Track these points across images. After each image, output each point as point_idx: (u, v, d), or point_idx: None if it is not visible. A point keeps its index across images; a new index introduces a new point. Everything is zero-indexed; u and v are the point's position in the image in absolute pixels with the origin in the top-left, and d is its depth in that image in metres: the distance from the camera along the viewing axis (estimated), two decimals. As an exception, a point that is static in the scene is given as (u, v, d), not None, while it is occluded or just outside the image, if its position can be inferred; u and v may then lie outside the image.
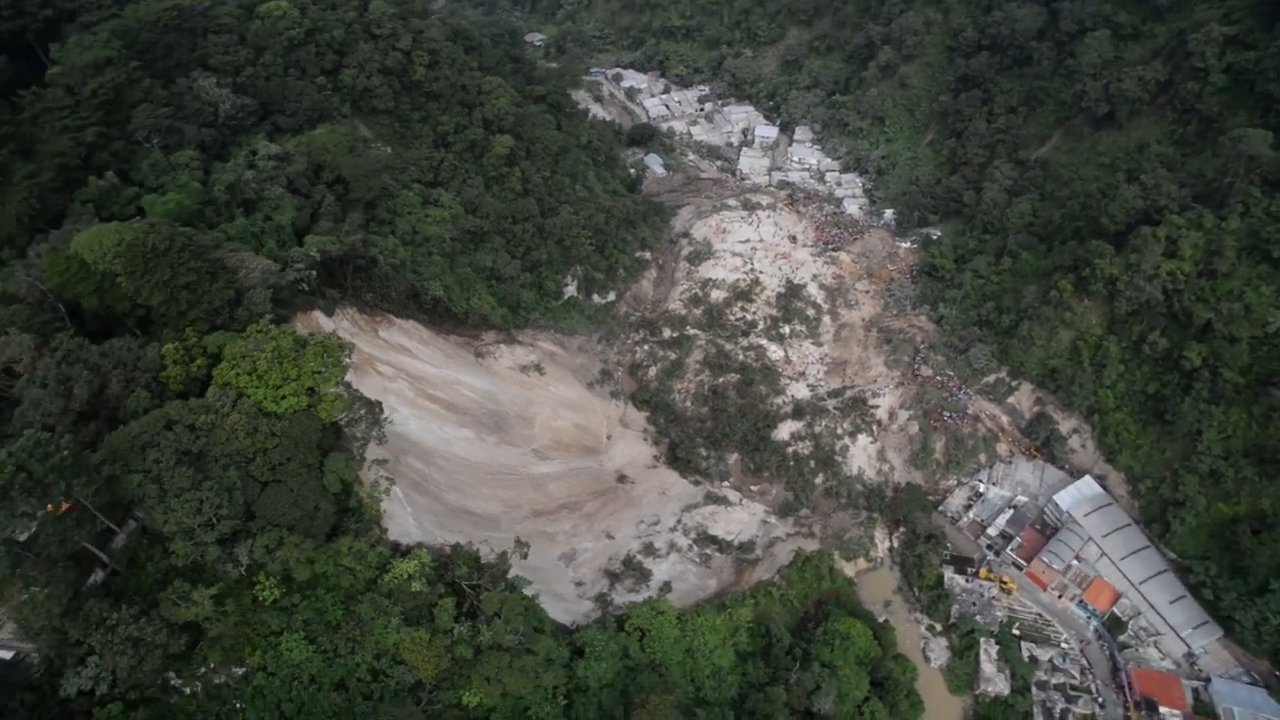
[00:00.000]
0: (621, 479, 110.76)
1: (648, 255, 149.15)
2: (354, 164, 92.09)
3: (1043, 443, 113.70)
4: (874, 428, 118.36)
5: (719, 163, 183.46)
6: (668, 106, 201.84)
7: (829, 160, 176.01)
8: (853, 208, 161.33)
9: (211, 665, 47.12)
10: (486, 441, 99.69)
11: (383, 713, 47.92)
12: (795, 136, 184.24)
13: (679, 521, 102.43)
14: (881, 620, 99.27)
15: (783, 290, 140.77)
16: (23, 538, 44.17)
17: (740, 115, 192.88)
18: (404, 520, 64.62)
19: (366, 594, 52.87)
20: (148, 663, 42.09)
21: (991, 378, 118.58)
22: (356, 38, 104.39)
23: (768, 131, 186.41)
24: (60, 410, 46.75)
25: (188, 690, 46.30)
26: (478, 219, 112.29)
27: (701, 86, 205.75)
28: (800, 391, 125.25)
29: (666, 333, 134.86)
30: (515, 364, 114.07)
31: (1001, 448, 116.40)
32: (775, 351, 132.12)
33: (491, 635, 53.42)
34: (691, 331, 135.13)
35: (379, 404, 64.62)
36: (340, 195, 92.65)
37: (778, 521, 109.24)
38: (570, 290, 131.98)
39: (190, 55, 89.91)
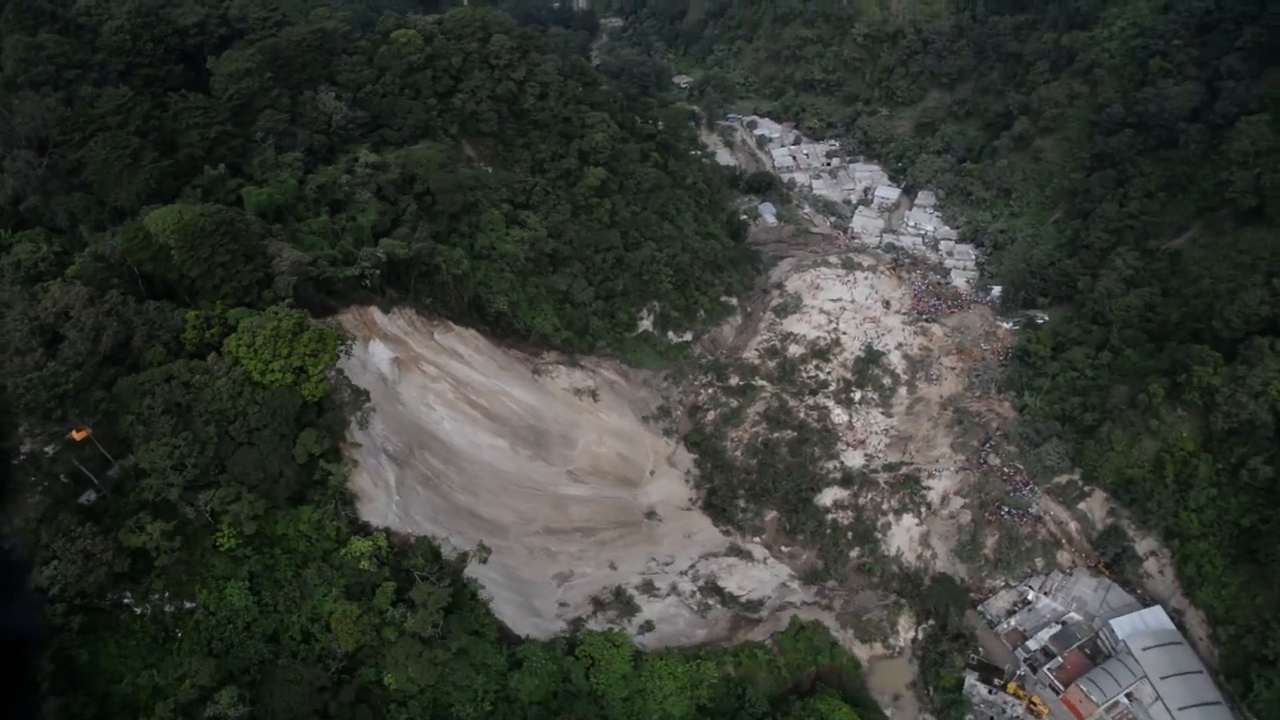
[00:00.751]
0: (650, 514, 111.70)
1: (733, 301, 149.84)
2: (441, 178, 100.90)
3: (1113, 559, 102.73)
4: (922, 509, 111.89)
5: (833, 219, 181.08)
6: (795, 158, 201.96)
7: (946, 229, 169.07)
8: (960, 280, 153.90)
9: (166, 595, 53.90)
10: (520, 454, 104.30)
11: (292, 669, 52.58)
12: (917, 201, 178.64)
13: (692, 566, 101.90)
14: (887, 712, 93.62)
15: (862, 354, 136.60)
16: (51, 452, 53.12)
17: (864, 174, 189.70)
18: (384, 506, 69.80)
19: (318, 562, 58.19)
20: (93, 575, 49.30)
21: (1064, 478, 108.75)
22: (473, 66, 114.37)
23: (889, 193, 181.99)
24: (88, 352, 55.99)
25: (138, 610, 53.25)
26: (559, 243, 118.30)
27: (832, 141, 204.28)
28: (854, 460, 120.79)
29: (734, 380, 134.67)
30: (571, 386, 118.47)
31: (1063, 556, 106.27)
32: (839, 415, 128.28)
33: (414, 624, 56.80)
34: (759, 382, 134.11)
35: (366, 393, 70.57)
36: (427, 206, 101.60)
37: (799, 588, 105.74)
38: (645, 324, 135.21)
39: (322, 71, 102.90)
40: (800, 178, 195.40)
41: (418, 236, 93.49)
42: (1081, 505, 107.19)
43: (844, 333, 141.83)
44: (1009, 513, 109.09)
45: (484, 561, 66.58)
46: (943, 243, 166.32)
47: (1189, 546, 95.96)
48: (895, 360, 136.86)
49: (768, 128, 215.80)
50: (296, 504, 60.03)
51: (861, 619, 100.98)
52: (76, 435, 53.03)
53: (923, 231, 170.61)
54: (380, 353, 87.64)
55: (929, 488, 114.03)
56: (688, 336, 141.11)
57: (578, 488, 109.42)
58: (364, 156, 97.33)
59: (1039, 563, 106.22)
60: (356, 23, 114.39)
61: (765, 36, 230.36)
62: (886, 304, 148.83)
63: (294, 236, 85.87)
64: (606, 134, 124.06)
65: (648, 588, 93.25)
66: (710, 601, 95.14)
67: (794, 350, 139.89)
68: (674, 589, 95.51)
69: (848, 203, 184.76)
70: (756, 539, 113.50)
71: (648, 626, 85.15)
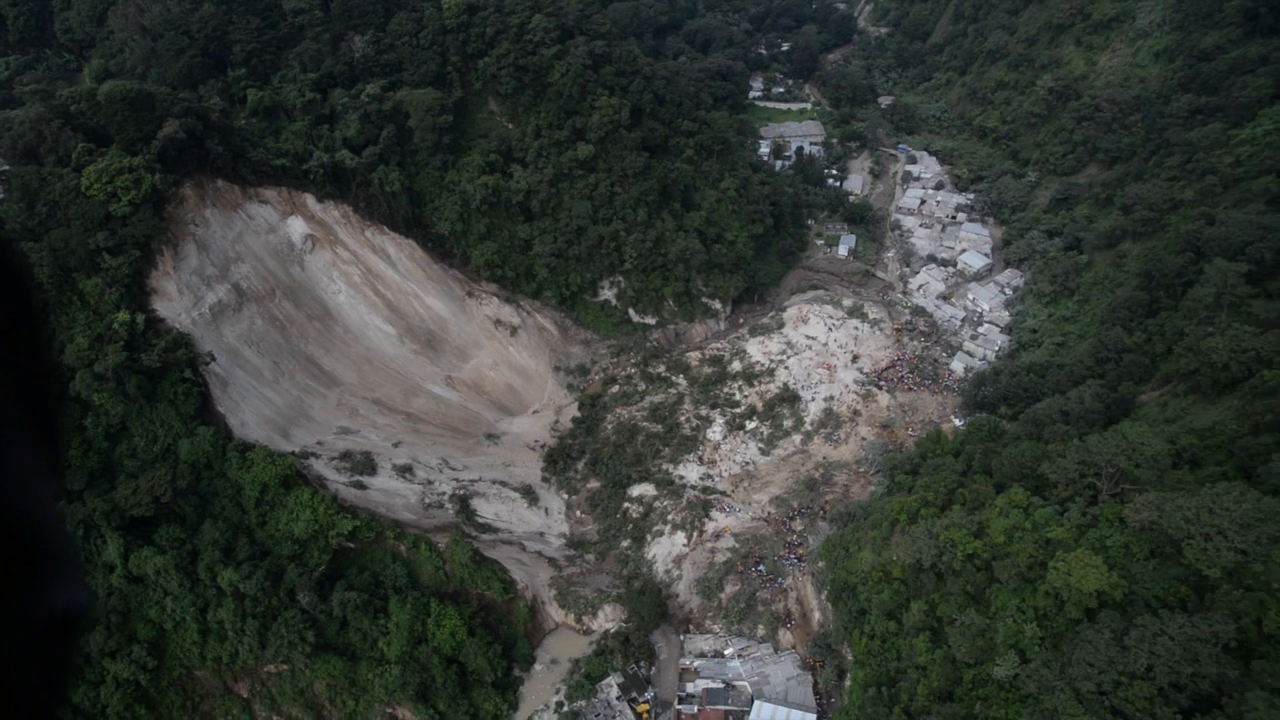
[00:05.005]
0: (490, 436, 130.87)
1: (716, 304, 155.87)
2: (420, 118, 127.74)
3: (822, 663, 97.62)
4: (694, 535, 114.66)
5: (906, 269, 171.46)
6: (924, 201, 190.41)
7: (1003, 314, 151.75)
8: (960, 367, 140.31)
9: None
10: (405, 345, 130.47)
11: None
12: (998, 278, 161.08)
13: (472, 481, 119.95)
14: (536, 667, 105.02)
15: (781, 392, 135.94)
16: None
17: (971, 236, 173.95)
18: (182, 310, 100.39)
19: (89, 307, 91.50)
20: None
21: (821, 564, 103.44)
22: (505, 38, 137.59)
23: (975, 260, 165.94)
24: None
25: None
26: (531, 199, 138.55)
27: (969, 194, 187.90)
28: (689, 471, 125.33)
29: (660, 369, 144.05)
30: (494, 316, 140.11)
31: (786, 637, 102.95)
32: (715, 432, 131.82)
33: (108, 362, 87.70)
34: (677, 379, 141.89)
35: (194, 231, 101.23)
36: (406, 137, 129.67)
37: (554, 543, 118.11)
38: (607, 295, 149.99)
39: (379, 20, 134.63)
40: (911, 222, 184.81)
41: (365, 158, 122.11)
42: (827, 598, 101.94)
43: (786, 367, 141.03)
44: (760, 571, 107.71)
45: (206, 364, 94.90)
46: (985, 327, 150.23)
47: (855, 672, 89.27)
48: (813, 410, 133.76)
49: (925, 166, 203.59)
50: (90, 273, 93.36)
51: (570, 589, 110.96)
52: None
53: (976, 309, 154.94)
54: (297, 226, 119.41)
55: (713, 519, 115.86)
56: (650, 320, 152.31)
57: (446, 390, 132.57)
58: (369, 89, 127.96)
59: (760, 630, 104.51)
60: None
61: (974, 73, 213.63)
62: (855, 357, 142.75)
63: (275, 130, 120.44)
64: (605, 117, 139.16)
65: (403, 470, 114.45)
66: (446, 505, 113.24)
67: (734, 366, 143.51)
68: (428, 481, 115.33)
69: (932, 258, 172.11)
70: (564, 495, 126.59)
71: (359, 485, 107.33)
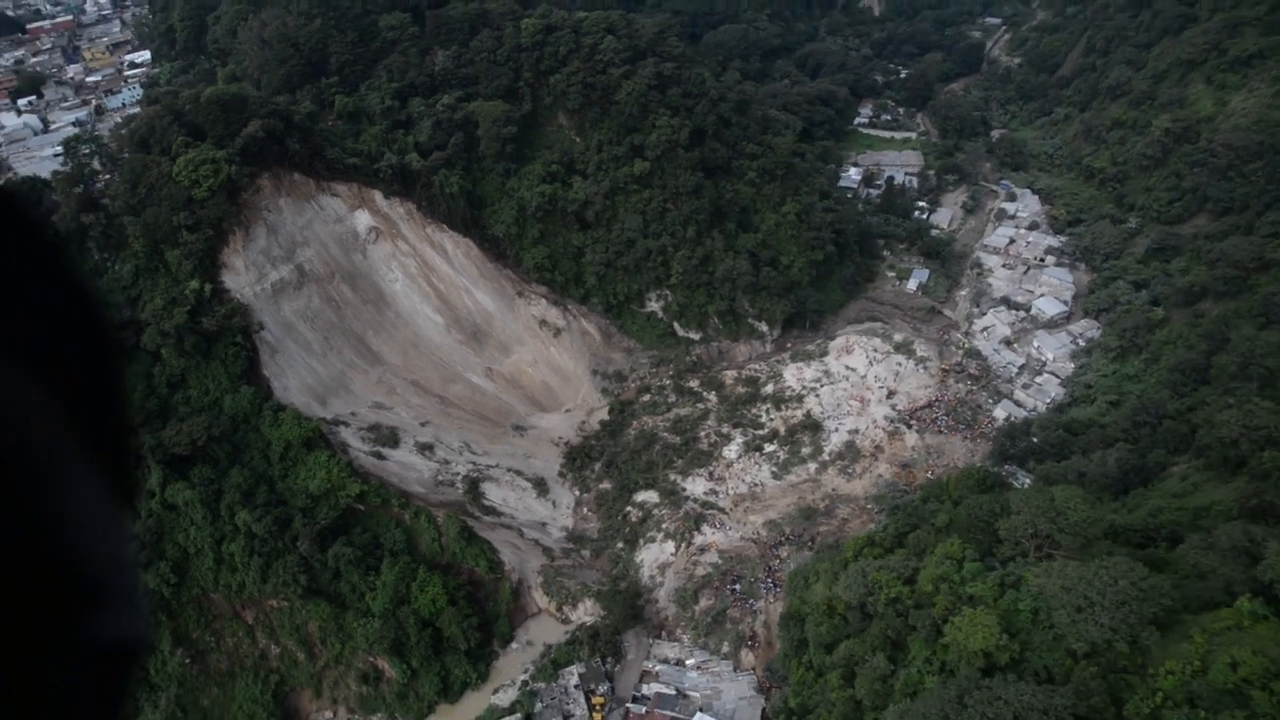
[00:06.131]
0: (518, 427, 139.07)
1: (764, 327, 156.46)
2: (488, 128, 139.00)
3: (778, 688, 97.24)
4: (682, 545, 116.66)
5: (975, 309, 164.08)
6: (1013, 241, 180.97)
7: (1066, 365, 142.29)
8: (1001, 415, 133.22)
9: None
10: (451, 334, 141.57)
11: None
12: (1074, 327, 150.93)
13: (490, 464, 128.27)
14: (513, 646, 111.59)
15: (805, 419, 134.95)
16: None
17: (1052, 281, 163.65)
18: (246, 285, 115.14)
19: (169, 273, 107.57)
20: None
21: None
22: (576, 57, 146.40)
23: (1050, 307, 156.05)
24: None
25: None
26: (586, 209, 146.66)
27: (1064, 237, 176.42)
28: (695, 485, 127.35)
29: (693, 384, 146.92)
30: (540, 316, 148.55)
31: (748, 657, 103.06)
32: (732, 450, 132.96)
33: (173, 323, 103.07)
34: (709, 395, 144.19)
35: (268, 216, 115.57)
36: (473, 144, 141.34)
37: (555, 534, 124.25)
38: (654, 306, 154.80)
39: (467, 37, 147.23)
40: (993, 261, 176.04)
41: (430, 162, 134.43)
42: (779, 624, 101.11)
43: (816, 395, 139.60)
44: (735, 590, 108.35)
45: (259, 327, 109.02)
46: (1043, 377, 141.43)
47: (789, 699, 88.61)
48: (834, 441, 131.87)
49: (1024, 204, 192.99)
50: (173, 246, 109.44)
51: (557, 578, 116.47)
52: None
53: (1039, 358, 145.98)
54: (363, 218, 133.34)
55: (703, 533, 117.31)
56: (694, 335, 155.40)
57: (484, 380, 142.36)
58: (445, 99, 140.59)
59: (725, 646, 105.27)
60: (525, 3, 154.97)
61: (1094, 110, 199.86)
62: (891, 393, 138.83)
63: (356, 132, 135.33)
64: (663, 136, 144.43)
65: (424, 447, 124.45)
66: (457, 484, 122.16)
67: (767, 388, 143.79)
68: (445, 460, 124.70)
69: (1005, 300, 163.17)
70: (576, 491, 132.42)
71: (379, 455, 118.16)
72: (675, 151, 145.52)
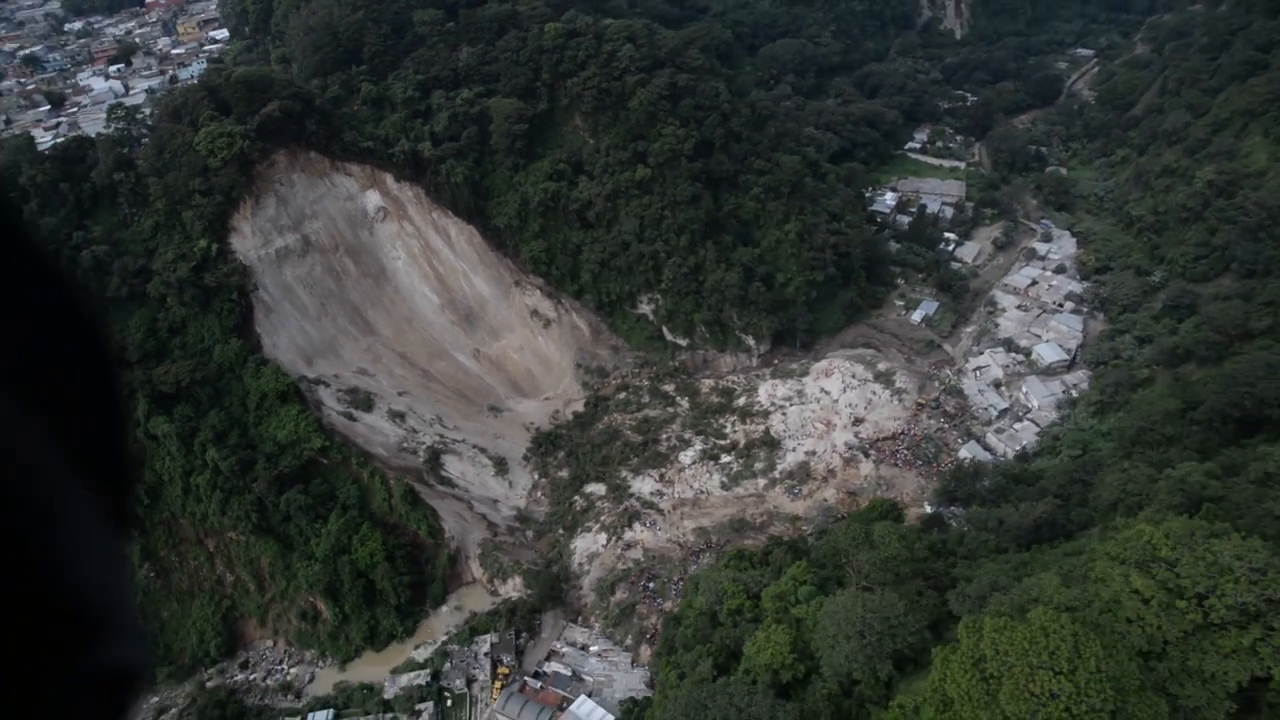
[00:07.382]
0: (494, 408, 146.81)
1: (751, 341, 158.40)
2: (500, 123, 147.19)
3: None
4: (614, 539, 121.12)
5: (975, 346, 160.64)
6: (1036, 283, 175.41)
7: (1049, 415, 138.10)
8: (966, 457, 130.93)
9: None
10: (445, 314, 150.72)
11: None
12: (1070, 377, 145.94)
13: (456, 440, 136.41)
14: (443, 609, 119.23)
15: (764, 436, 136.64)
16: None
17: (1060, 328, 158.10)
18: (251, 248, 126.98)
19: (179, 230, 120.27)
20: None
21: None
22: (593, 62, 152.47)
23: (1051, 354, 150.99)
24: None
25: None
26: (586, 209, 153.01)
27: (1085, 283, 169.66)
28: (643, 484, 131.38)
29: (668, 387, 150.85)
30: (533, 306, 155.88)
31: (645, 651, 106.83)
32: (688, 455, 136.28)
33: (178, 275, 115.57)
34: (680, 400, 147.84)
35: (276, 190, 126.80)
36: (486, 138, 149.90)
37: (504, 512, 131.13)
38: (645, 309, 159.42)
39: (494, 37, 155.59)
40: (1009, 301, 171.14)
41: (440, 151, 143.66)
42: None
43: (783, 413, 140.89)
44: (648, 588, 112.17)
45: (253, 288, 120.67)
46: (1022, 424, 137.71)
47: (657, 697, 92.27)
48: (789, 460, 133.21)
49: (1059, 246, 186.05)
50: (187, 208, 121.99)
51: (494, 553, 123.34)
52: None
53: (1024, 404, 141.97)
54: (373, 198, 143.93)
55: (633, 530, 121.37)
56: (681, 341, 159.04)
57: (469, 360, 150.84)
58: (464, 94, 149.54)
59: (629, 639, 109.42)
60: (558, 9, 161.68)
61: (1151, 153, 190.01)
62: (858, 420, 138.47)
63: (378, 118, 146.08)
64: (667, 145, 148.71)
65: (396, 415, 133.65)
66: (419, 453, 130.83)
67: (740, 402, 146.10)
68: (414, 430, 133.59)
69: (1007, 342, 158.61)
70: (535, 475, 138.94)
71: (350, 417, 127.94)
72: (677, 161, 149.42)
